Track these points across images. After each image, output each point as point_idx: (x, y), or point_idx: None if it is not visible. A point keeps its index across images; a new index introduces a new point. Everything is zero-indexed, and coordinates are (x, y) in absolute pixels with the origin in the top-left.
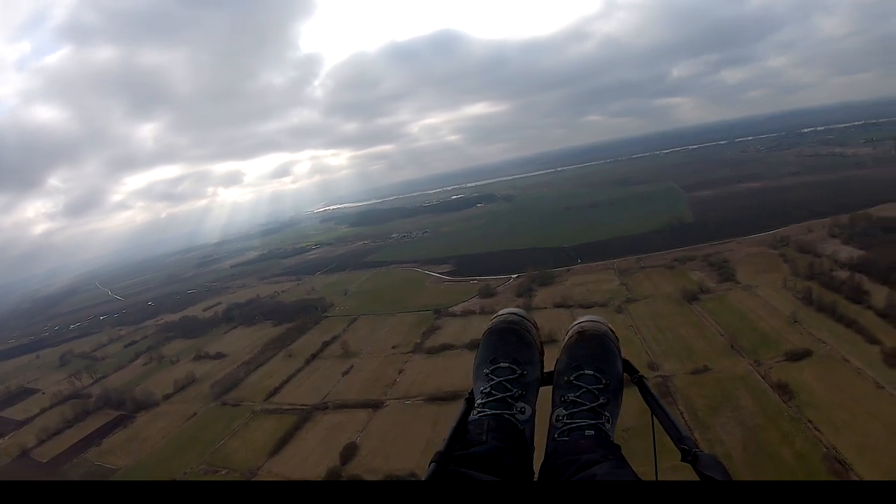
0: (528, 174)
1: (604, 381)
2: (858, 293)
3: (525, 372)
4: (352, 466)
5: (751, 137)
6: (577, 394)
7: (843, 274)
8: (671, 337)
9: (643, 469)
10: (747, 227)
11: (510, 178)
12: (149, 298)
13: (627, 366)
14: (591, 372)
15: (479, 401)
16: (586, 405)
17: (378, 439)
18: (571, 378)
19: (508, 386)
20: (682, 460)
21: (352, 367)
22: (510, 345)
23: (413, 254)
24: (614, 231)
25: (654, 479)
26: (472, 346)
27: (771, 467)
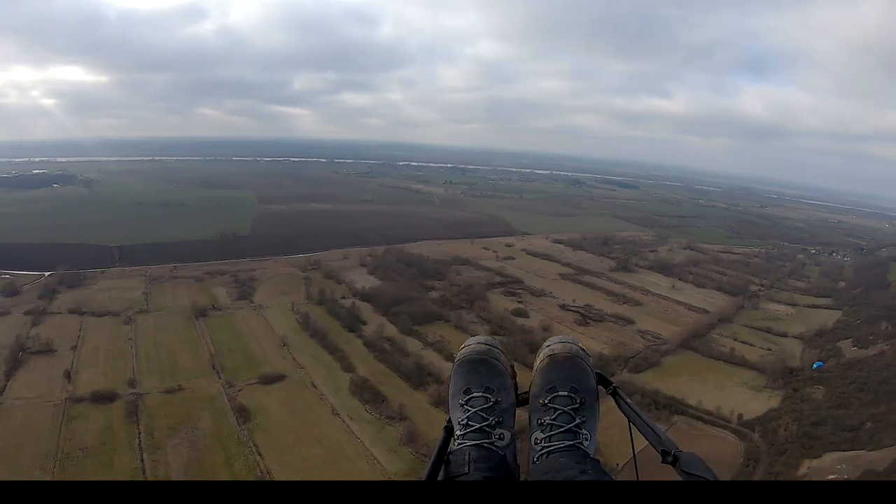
0: (125, 158)
1: (578, 400)
2: (356, 321)
3: (499, 399)
4: None
5: (350, 160)
6: (554, 416)
7: (348, 302)
8: (164, 354)
9: None
10: (293, 246)
11: (104, 159)
12: None
13: (601, 378)
14: (566, 393)
15: (458, 431)
16: (563, 427)
17: None
18: (546, 400)
19: (484, 415)
20: (662, 462)
21: None
22: (481, 374)
23: None
24: (169, 235)
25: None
26: None
27: None
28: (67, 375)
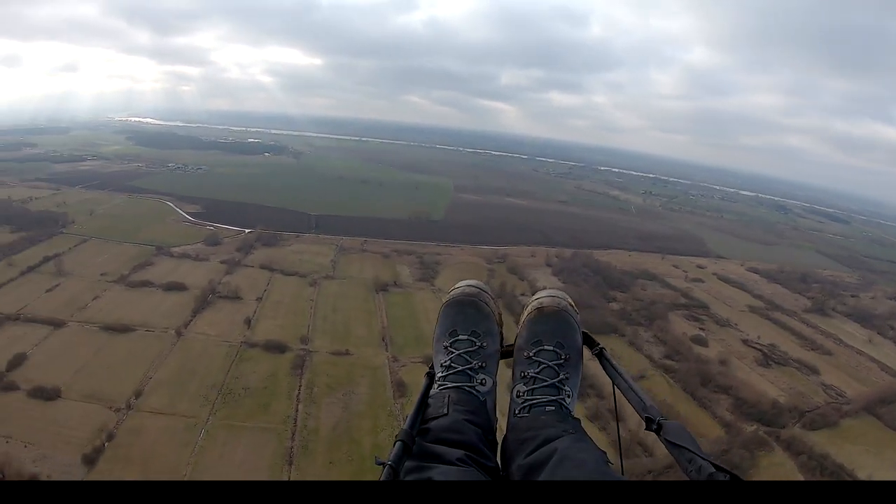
0: (333, 136)
1: (563, 356)
2: None
3: (484, 344)
4: (13, 375)
5: (551, 160)
6: (538, 370)
7: (527, 299)
8: (340, 319)
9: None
10: (482, 237)
11: (314, 135)
12: None
13: (587, 339)
14: (551, 347)
15: (439, 374)
16: (546, 381)
17: (46, 355)
18: (531, 354)
19: (468, 358)
20: (646, 429)
21: (57, 285)
22: (469, 317)
23: (176, 187)
24: (365, 211)
25: (617, 447)
26: (169, 287)
27: (345, 450)
28: (247, 322)
